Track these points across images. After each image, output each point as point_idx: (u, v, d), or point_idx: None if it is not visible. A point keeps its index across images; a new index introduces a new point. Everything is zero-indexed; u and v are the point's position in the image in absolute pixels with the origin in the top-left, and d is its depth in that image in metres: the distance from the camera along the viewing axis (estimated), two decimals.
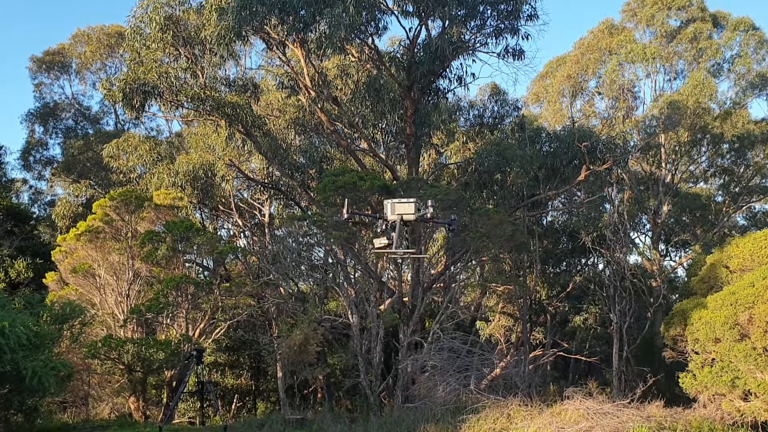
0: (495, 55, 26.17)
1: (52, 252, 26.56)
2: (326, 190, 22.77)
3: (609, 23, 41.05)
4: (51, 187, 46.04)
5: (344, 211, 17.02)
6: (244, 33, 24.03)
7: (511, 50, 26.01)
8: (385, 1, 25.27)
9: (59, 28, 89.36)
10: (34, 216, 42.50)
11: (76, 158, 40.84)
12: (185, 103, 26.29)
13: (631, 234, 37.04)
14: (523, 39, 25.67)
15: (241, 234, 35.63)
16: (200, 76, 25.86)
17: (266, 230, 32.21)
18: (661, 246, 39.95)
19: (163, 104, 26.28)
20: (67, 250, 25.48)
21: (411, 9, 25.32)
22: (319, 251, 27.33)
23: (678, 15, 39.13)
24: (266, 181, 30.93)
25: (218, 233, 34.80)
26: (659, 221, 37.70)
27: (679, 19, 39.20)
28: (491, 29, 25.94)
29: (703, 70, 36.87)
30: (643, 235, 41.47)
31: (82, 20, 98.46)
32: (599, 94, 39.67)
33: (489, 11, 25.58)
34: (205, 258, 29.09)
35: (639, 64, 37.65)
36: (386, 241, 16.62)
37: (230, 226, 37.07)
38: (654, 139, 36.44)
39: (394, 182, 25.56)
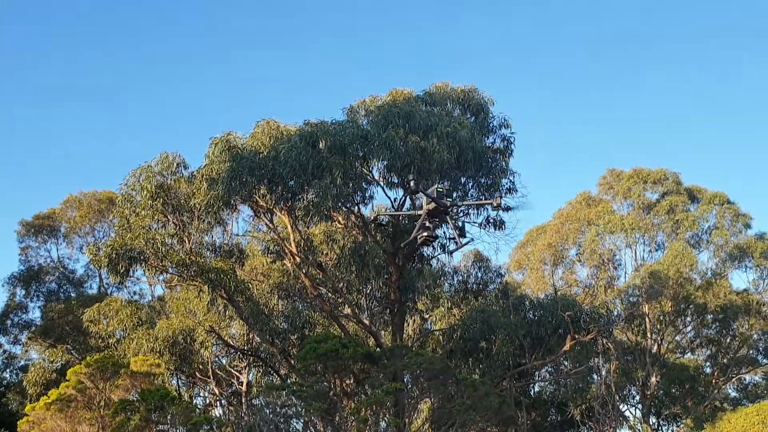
0: (477, 225, 26.81)
1: (18, 422, 25.36)
2: (307, 357, 22.29)
3: (587, 195, 42.54)
4: (26, 351, 44.79)
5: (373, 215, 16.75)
6: (232, 202, 24.63)
7: (492, 221, 26.73)
8: (372, 173, 26.16)
9: (54, 194, 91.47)
10: (5, 382, 41.06)
11: (56, 322, 40.19)
12: (170, 269, 26.34)
13: (621, 406, 36.06)
14: (503, 211, 26.34)
15: (218, 403, 34.38)
16: (187, 242, 26.11)
17: (243, 399, 31.14)
18: (652, 419, 38.82)
19: (148, 269, 26.33)
20: (35, 420, 24.36)
21: (396, 180, 26.18)
22: (298, 423, 26.26)
23: (654, 188, 40.72)
24: (246, 347, 30.37)
25: (194, 401, 33.60)
26: (648, 393, 36.89)
27: (656, 192, 40.74)
28: (473, 200, 26.77)
29: (682, 241, 37.77)
30: (633, 407, 40.37)
31: (76, 186, 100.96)
32: (580, 262, 40.28)
33: (471, 183, 26.57)
34: (180, 429, 27.80)
35: (618, 234, 38.58)
36: (426, 233, 16.32)
37: (207, 394, 35.85)
38: (638, 309, 36.54)
39: (378, 349, 25.11)
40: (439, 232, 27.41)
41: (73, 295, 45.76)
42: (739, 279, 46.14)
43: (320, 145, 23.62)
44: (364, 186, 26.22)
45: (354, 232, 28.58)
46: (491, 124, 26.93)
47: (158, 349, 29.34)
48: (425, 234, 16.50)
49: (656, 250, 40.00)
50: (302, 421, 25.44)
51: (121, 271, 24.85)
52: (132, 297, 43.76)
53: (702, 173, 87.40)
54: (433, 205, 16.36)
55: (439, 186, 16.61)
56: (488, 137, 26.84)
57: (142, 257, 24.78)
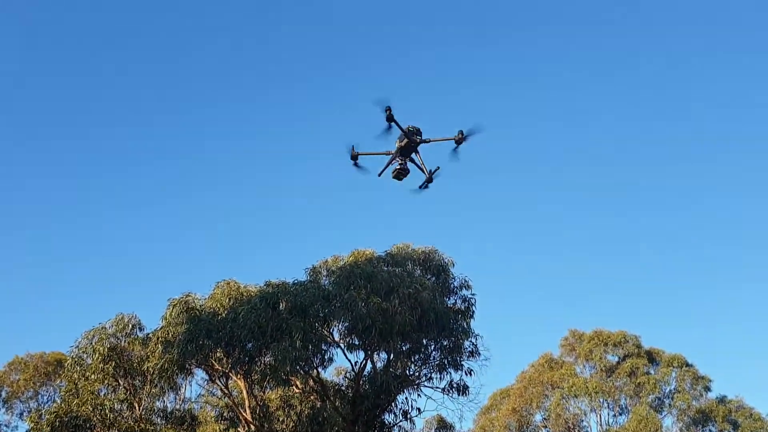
0: (440, 390, 26.26)
1: None
2: None
3: (549, 357, 42.37)
4: None
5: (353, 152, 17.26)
6: (187, 366, 23.92)
7: (455, 385, 26.23)
8: (332, 335, 25.79)
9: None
10: None
11: None
12: None
13: None
14: (466, 374, 26.06)
15: None
16: (137, 407, 24.99)
17: None
18: None
19: None
20: None
21: (357, 342, 25.83)
22: None
23: (615, 351, 40.94)
24: None
25: None
26: None
27: (617, 354, 40.92)
28: (435, 363, 26.40)
29: (645, 405, 37.43)
30: None
31: (24, 347, 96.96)
32: (546, 428, 39.35)
33: (433, 345, 26.30)
34: None
35: (582, 398, 38.10)
36: (398, 167, 17.27)
37: None
38: None
39: None
40: (401, 397, 26.81)
41: None
42: None
43: (281, 306, 23.42)
44: (324, 348, 25.81)
45: (312, 397, 27.67)
46: (452, 285, 27.16)
47: None
48: (397, 167, 16.88)
49: (620, 414, 39.46)
50: None
51: None
52: None
53: (659, 330, 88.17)
54: (405, 141, 17.00)
55: (411, 126, 17.28)
56: (450, 298, 26.96)
57: (87, 425, 23.63)
